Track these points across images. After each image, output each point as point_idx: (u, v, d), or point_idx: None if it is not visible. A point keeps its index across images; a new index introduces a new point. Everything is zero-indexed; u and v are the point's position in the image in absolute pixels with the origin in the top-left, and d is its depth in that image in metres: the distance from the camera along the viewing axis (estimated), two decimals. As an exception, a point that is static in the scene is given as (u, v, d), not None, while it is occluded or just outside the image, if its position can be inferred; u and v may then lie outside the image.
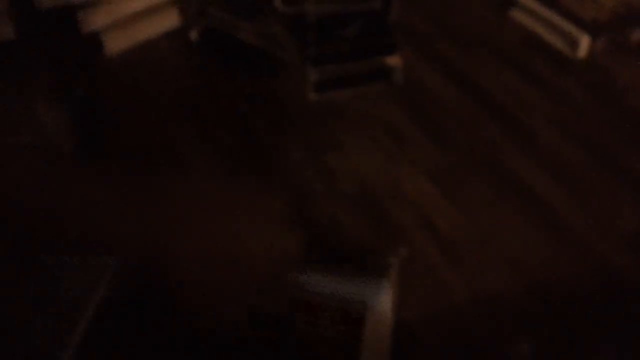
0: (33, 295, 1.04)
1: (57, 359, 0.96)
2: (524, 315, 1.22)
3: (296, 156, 1.50)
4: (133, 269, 1.19)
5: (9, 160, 1.34)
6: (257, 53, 1.70)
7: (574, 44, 1.74)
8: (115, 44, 1.71)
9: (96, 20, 1.65)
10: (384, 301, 1.04)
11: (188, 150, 1.50)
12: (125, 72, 1.68)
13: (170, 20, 1.80)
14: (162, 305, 1.18)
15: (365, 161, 1.50)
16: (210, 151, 1.50)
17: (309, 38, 1.62)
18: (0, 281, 1.07)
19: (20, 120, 1.37)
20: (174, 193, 1.38)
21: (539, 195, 1.41)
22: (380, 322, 1.02)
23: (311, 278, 1.05)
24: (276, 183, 1.44)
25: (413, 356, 1.16)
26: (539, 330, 1.19)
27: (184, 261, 1.25)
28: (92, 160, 1.42)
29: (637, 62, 1.74)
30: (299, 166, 1.48)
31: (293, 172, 1.47)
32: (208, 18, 1.73)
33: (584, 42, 1.73)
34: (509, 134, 1.55)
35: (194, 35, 1.76)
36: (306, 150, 1.52)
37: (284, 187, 1.43)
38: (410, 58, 1.73)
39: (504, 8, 1.88)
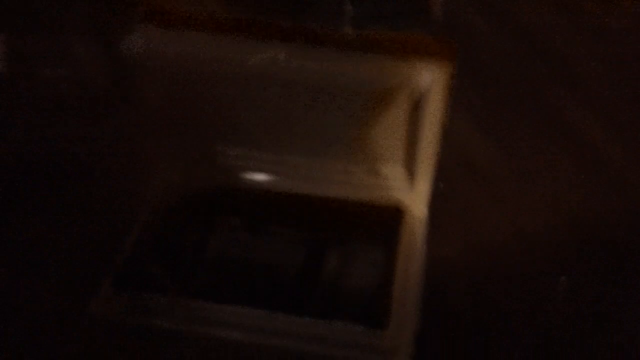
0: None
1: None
2: (563, 252, 1.19)
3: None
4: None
5: (44, 92, 1.32)
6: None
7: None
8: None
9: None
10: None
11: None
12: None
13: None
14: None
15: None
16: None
17: None
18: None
19: (56, 53, 1.36)
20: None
21: (580, 132, 1.37)
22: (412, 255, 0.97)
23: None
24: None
25: (451, 292, 1.14)
26: (578, 266, 1.17)
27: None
28: (126, 97, 1.39)
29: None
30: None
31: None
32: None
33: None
34: (552, 71, 1.50)
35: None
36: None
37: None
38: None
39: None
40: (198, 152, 1.00)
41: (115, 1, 1.56)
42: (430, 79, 0.88)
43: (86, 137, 1.28)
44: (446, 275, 1.15)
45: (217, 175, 1.01)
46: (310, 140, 0.97)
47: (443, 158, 1.27)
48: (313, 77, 0.86)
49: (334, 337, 0.85)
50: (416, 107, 0.89)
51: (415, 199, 0.98)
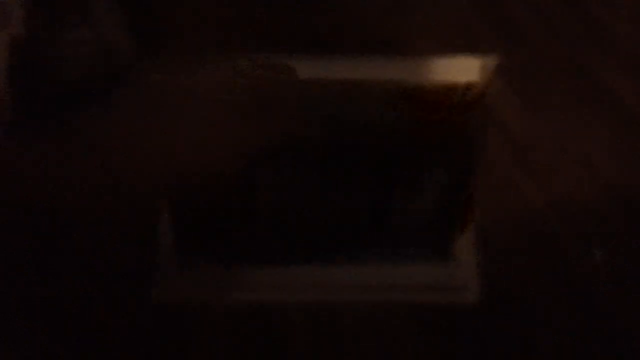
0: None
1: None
2: (601, 219, 1.18)
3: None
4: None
5: (66, 54, 1.26)
6: None
7: None
8: None
9: None
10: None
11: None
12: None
13: None
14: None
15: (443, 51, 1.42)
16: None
17: None
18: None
19: (78, 16, 1.31)
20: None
21: (618, 97, 1.33)
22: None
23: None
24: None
25: (489, 260, 1.12)
26: (615, 233, 1.16)
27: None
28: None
29: None
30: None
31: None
32: None
33: None
34: (589, 32, 1.45)
35: None
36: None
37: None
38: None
39: None
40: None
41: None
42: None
43: (110, 104, 1.26)
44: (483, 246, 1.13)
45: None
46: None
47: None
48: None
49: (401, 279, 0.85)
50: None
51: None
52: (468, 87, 0.93)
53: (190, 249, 0.92)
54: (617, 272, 1.13)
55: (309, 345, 1.03)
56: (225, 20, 1.50)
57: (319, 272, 0.90)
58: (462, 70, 0.84)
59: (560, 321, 1.10)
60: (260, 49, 1.21)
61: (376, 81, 0.87)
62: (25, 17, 1.24)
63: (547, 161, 1.26)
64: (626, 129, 1.30)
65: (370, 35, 1.46)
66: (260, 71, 0.86)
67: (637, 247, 1.15)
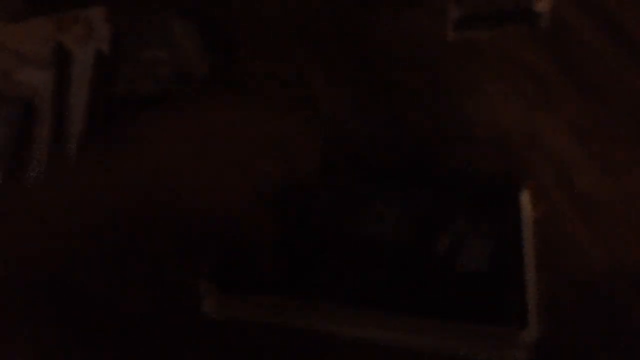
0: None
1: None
2: None
3: (429, 98, 1.42)
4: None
5: (141, 74, 1.31)
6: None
7: None
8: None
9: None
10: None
11: (316, 82, 1.45)
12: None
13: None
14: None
15: (505, 108, 1.41)
16: (340, 84, 1.44)
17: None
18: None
19: (157, 37, 1.36)
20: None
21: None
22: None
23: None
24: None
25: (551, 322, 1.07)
26: None
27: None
28: (223, 87, 1.39)
29: None
30: (431, 109, 1.40)
31: (425, 114, 1.39)
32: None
33: None
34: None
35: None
36: (441, 92, 1.44)
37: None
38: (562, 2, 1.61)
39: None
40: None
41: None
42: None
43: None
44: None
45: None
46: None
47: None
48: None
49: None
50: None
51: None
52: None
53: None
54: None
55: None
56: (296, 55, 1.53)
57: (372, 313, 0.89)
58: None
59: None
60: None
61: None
62: (110, 33, 1.27)
63: (614, 223, 1.21)
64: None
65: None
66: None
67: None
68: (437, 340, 0.87)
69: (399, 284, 0.93)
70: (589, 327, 1.11)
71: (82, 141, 1.10)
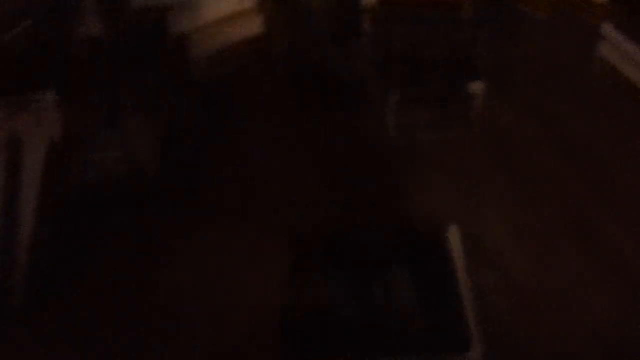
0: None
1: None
2: None
3: (374, 192, 1.46)
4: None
5: (95, 171, 1.30)
6: (340, 83, 1.67)
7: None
8: (201, 48, 1.69)
9: (184, 22, 1.63)
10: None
11: (273, 181, 1.47)
12: (211, 84, 1.65)
13: (253, 28, 1.77)
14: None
15: (446, 209, 1.45)
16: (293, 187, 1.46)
17: (394, 77, 1.59)
18: None
19: (109, 135, 1.35)
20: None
21: (626, 258, 1.34)
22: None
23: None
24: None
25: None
26: None
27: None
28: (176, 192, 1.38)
29: None
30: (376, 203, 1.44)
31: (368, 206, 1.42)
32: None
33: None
34: (599, 191, 1.49)
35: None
36: (384, 191, 1.47)
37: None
38: (497, 96, 1.69)
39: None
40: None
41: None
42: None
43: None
44: None
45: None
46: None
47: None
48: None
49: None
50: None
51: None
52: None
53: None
54: None
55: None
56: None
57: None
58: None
59: None
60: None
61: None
62: (61, 121, 1.26)
63: (550, 318, 1.26)
64: (633, 293, 1.31)
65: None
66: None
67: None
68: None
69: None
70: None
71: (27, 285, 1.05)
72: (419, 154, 1.58)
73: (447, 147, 1.59)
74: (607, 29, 1.77)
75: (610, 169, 1.54)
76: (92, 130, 1.29)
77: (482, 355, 1.08)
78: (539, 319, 1.25)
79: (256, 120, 1.62)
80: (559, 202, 1.47)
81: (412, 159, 1.56)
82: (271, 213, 1.38)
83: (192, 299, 1.19)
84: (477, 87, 1.64)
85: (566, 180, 1.51)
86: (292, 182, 1.47)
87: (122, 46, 1.54)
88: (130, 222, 1.28)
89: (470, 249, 1.31)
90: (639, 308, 1.28)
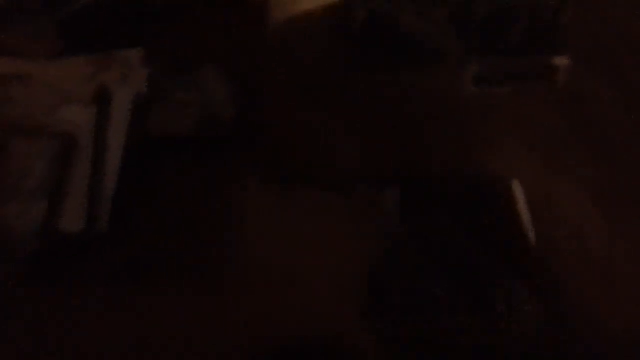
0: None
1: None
2: None
3: (445, 151, 1.46)
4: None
5: (173, 115, 1.35)
6: (416, 40, 1.67)
7: None
8: (278, 14, 1.72)
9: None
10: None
11: (335, 139, 1.48)
12: (285, 47, 1.68)
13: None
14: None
15: (520, 166, 1.43)
16: (357, 145, 1.46)
17: (474, 29, 1.58)
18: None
19: (188, 81, 1.40)
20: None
21: None
22: None
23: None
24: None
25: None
26: None
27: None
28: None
29: None
30: (447, 163, 1.43)
31: (440, 167, 1.42)
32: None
33: None
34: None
35: (360, 15, 1.73)
36: (457, 147, 1.47)
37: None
38: (578, 62, 1.65)
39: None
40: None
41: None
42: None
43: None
44: None
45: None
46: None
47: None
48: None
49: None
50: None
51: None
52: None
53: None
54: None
55: None
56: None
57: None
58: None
59: None
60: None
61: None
62: (146, 75, 1.31)
63: (628, 287, 1.25)
64: None
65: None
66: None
67: None
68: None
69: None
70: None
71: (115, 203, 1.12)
72: (492, 114, 1.56)
73: (522, 110, 1.56)
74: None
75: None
76: (173, 80, 1.32)
77: (551, 315, 1.08)
78: (610, 286, 1.24)
79: (327, 81, 1.64)
80: (638, 171, 1.44)
81: (485, 119, 1.55)
82: (337, 173, 1.40)
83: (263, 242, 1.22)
84: (560, 58, 1.61)
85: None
86: (359, 142, 1.48)
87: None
88: (205, 162, 1.33)
89: (539, 206, 1.32)
90: None
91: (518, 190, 1.26)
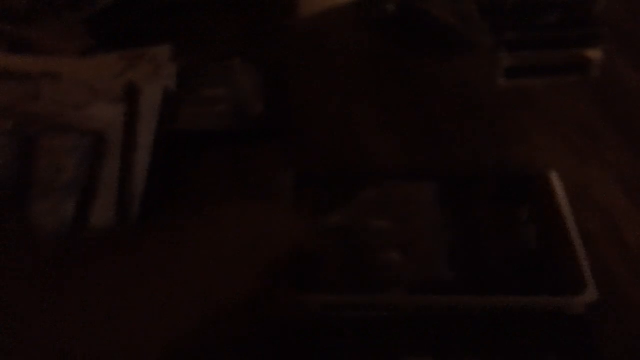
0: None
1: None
2: None
3: (477, 143, 1.44)
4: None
5: (202, 110, 1.35)
6: (447, 31, 1.65)
7: None
8: (307, 5, 1.72)
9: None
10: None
11: (367, 132, 1.45)
12: (314, 39, 1.67)
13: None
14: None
15: (553, 157, 1.40)
16: (390, 138, 1.43)
17: (505, 20, 1.56)
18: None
19: (217, 75, 1.41)
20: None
21: None
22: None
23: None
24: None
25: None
26: None
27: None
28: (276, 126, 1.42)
29: None
30: (479, 156, 1.41)
31: (473, 163, 1.41)
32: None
33: None
34: None
35: (390, 6, 1.73)
36: (489, 138, 1.45)
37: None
38: (612, 54, 1.62)
39: None
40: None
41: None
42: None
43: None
44: None
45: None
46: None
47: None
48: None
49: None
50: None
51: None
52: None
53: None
54: None
55: None
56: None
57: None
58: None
59: None
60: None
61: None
62: (175, 71, 1.32)
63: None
64: None
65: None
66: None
67: None
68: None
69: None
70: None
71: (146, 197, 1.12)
72: (525, 106, 1.53)
73: (556, 102, 1.53)
74: None
75: None
76: (202, 75, 1.33)
77: (595, 300, 1.06)
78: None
79: (355, 70, 1.64)
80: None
81: (518, 111, 1.52)
82: (368, 159, 1.38)
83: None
84: (594, 50, 1.58)
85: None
86: (392, 135, 1.47)
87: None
88: (231, 155, 1.32)
89: (575, 198, 1.29)
90: None
91: (557, 183, 1.24)
